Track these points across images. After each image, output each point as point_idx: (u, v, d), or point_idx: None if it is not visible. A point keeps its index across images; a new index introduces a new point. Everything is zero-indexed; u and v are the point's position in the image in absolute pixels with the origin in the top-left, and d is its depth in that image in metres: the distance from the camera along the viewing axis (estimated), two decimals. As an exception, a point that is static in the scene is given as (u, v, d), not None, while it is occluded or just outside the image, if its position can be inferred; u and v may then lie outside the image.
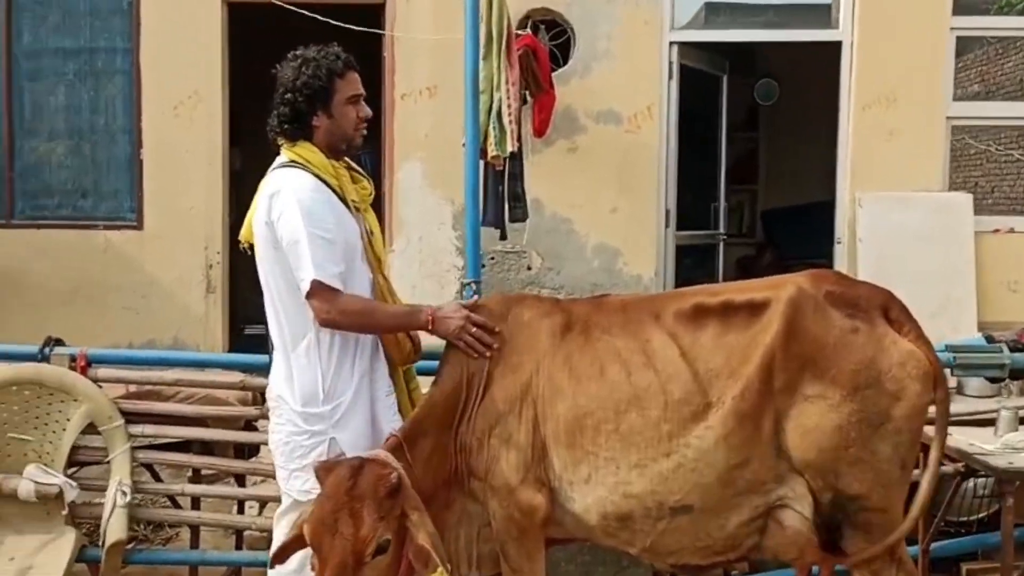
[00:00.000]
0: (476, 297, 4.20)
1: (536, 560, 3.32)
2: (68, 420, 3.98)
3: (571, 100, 7.51)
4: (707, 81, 8.10)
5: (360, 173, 3.65)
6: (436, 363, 3.56)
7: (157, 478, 4.35)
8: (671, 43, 7.54)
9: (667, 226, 7.64)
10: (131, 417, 4.05)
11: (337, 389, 3.40)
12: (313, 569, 3.02)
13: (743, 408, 3.15)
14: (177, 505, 4.30)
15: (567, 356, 3.32)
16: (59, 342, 4.14)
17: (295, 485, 3.43)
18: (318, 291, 3.27)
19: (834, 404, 3.12)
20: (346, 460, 3.07)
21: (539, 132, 7.31)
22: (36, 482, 3.86)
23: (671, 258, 7.70)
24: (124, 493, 3.90)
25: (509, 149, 4.64)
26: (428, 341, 3.63)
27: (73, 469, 4.11)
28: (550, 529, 3.38)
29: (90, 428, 4.04)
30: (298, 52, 3.47)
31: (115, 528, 3.84)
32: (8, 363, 4.11)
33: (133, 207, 7.80)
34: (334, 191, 3.41)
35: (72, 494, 3.89)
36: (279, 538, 3.44)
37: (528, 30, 7.24)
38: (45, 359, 4.07)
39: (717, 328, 3.25)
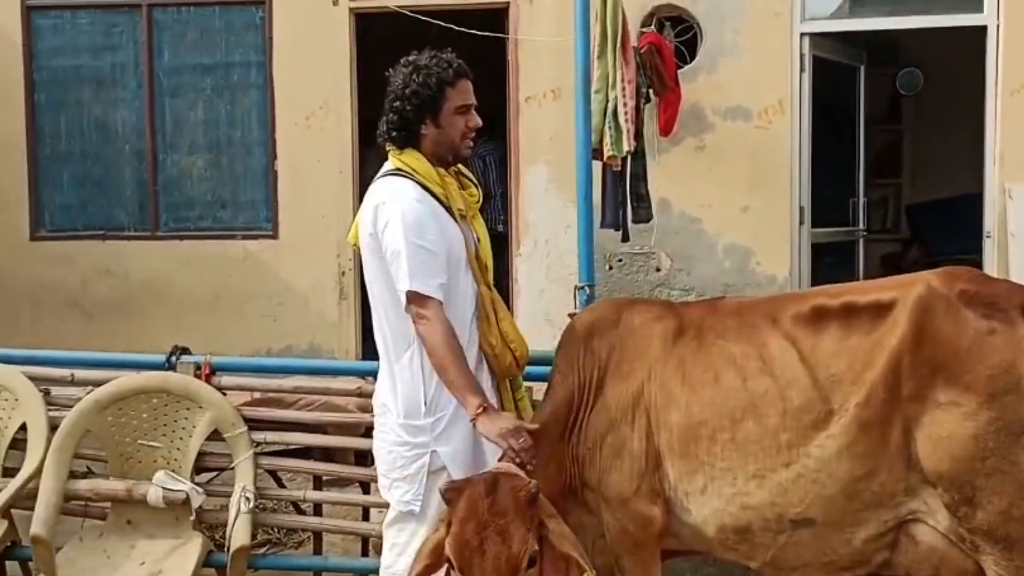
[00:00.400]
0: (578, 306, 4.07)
1: (652, 573, 3.23)
2: (194, 427, 4.07)
3: (698, 97, 7.34)
4: (843, 72, 7.79)
5: (469, 179, 3.62)
6: (548, 368, 3.50)
7: (281, 484, 4.41)
8: (802, 35, 7.29)
9: (801, 223, 7.39)
10: (253, 424, 4.12)
11: (440, 402, 3.35)
12: None
13: (867, 416, 2.98)
14: (301, 512, 4.36)
15: (680, 362, 3.21)
16: (185, 351, 4.25)
17: (395, 495, 3.41)
18: (414, 301, 3.24)
19: (969, 412, 2.92)
20: (477, 477, 3.01)
21: (665, 131, 7.15)
22: (164, 488, 3.97)
23: (806, 257, 7.44)
24: (248, 499, 3.96)
25: (625, 149, 4.54)
26: (536, 346, 3.57)
27: (203, 476, 4.21)
28: (667, 541, 3.27)
29: (216, 435, 4.12)
30: (411, 58, 3.44)
31: (239, 533, 3.91)
32: (137, 372, 4.23)
33: (269, 217, 8.00)
34: (439, 200, 3.38)
35: (198, 500, 3.97)
36: (390, 546, 3.44)
37: (652, 27, 7.14)
38: (172, 368, 4.19)
39: (839, 331, 3.08)
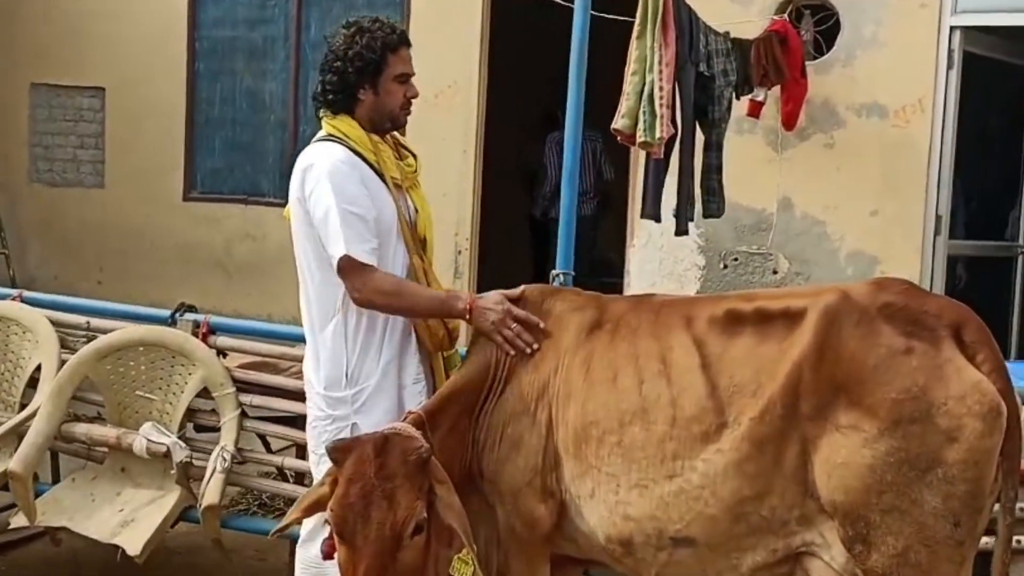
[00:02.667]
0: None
1: (538, 576, 3.03)
2: (186, 384, 4.16)
3: (830, 91, 6.89)
4: (1001, 70, 7.06)
5: (407, 149, 3.52)
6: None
7: (269, 450, 4.46)
8: (952, 28, 6.66)
9: (937, 233, 6.78)
10: (243, 386, 4.17)
11: (362, 373, 3.27)
12: (328, 557, 2.89)
13: (761, 432, 2.67)
14: (287, 479, 4.38)
15: (587, 356, 2.98)
16: (191, 308, 4.35)
17: (320, 469, 3.34)
18: (349, 268, 3.15)
19: (869, 438, 2.57)
20: (367, 437, 2.79)
21: (788, 125, 6.77)
22: (148, 440, 4.08)
23: (940, 270, 6.81)
24: (224, 459, 4.02)
25: (658, 135, 4.27)
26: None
27: (205, 434, 4.29)
28: (565, 547, 3.06)
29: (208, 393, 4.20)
30: (352, 20, 3.38)
31: (212, 491, 3.96)
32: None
33: (393, 192, 8.10)
34: (371, 167, 3.29)
35: (180, 454, 4.05)
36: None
37: (786, 15, 6.74)
38: (173, 324, 4.31)
39: (752, 338, 2.78)
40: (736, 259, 7.14)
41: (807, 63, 6.79)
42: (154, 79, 8.74)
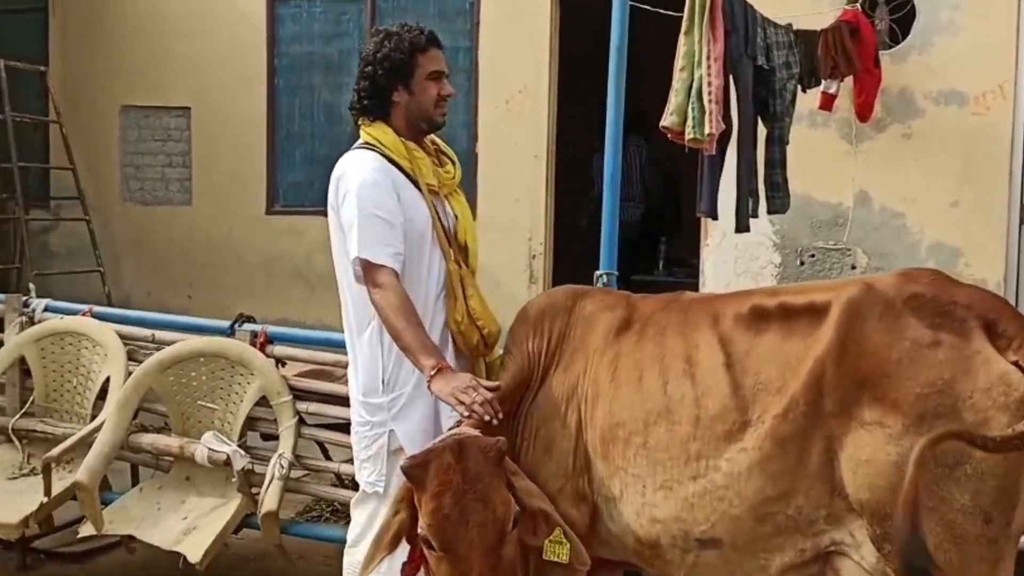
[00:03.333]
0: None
1: (571, 582, 2.99)
2: (245, 393, 4.24)
3: (907, 80, 6.71)
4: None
5: (448, 156, 3.53)
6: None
7: (327, 457, 4.51)
8: (1034, 10, 6.43)
9: (1022, 222, 6.54)
10: (300, 394, 4.23)
11: (398, 380, 3.28)
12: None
13: (785, 431, 2.60)
14: (344, 485, 4.42)
15: (615, 357, 2.94)
16: (249, 319, 4.44)
17: (363, 476, 3.38)
18: (366, 269, 3.18)
19: (894, 435, 2.48)
20: (439, 446, 2.73)
21: (863, 116, 6.61)
22: (209, 448, 4.17)
23: (1027, 260, 6.57)
24: (282, 466, 4.08)
25: (707, 131, 4.20)
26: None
27: (270, 442, 4.37)
28: (599, 549, 3.02)
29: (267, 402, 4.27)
30: (381, 28, 3.42)
31: (271, 498, 4.02)
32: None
33: (469, 199, 8.11)
34: (406, 173, 3.31)
35: (240, 462, 4.12)
36: (353, 525, 3.43)
37: (858, 5, 6.57)
38: (233, 334, 4.39)
39: (778, 335, 2.71)
40: (813, 255, 6.99)
41: (882, 52, 6.64)
42: (236, 97, 8.95)
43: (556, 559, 2.73)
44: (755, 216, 5.18)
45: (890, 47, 6.77)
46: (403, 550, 2.87)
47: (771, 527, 2.65)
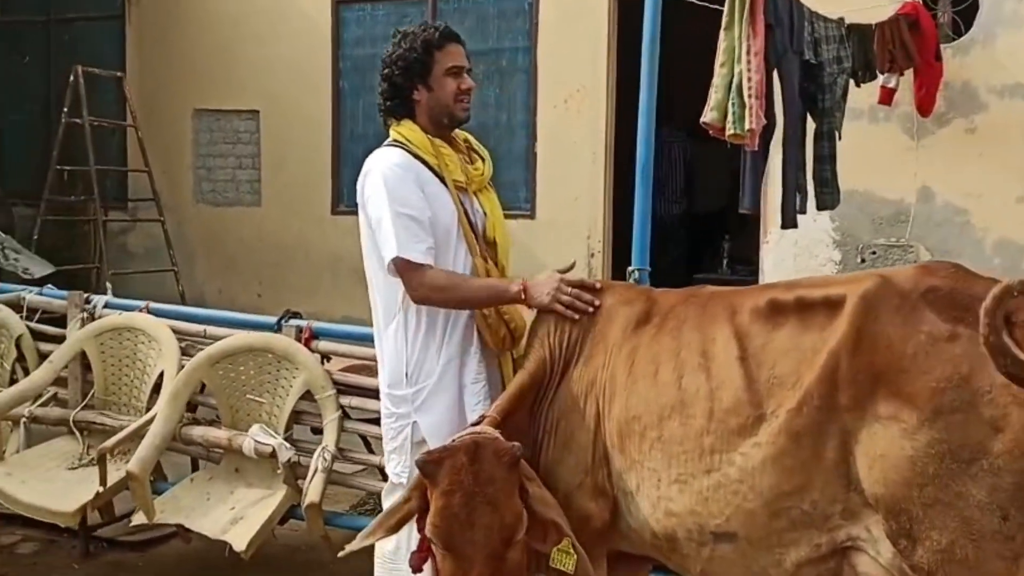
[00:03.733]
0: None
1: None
2: (291, 387, 4.35)
3: (970, 73, 6.57)
4: None
5: (479, 153, 3.56)
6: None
7: (371, 450, 4.59)
8: (1103, -2, 6.25)
9: (1091, 219, 6.36)
10: (343, 389, 4.32)
11: (422, 372, 3.34)
12: (417, 571, 2.86)
13: (799, 425, 2.58)
14: (387, 478, 4.49)
15: (632, 350, 2.95)
16: (296, 315, 4.54)
17: (390, 467, 3.45)
18: (403, 268, 3.24)
19: (908, 429, 2.44)
20: (456, 444, 2.77)
21: (924, 111, 6.48)
22: (256, 441, 4.28)
23: (1097, 257, 6.39)
24: (325, 459, 4.17)
25: (747, 126, 4.17)
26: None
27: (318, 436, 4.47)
28: (621, 543, 3.04)
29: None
30: (400, 29, 3.47)
31: (314, 490, 4.12)
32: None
33: (528, 197, 8.22)
34: (432, 169, 3.36)
35: (286, 455, 4.23)
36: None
37: (921, -3, 6.46)
38: (279, 330, 4.50)
39: (793, 328, 2.69)
40: (874, 252, 6.89)
41: (945, 45, 6.50)
42: (302, 99, 9.13)
43: (561, 568, 2.74)
44: (803, 212, 5.12)
45: (952, 40, 6.64)
46: (416, 540, 2.91)
47: (786, 521, 2.63)
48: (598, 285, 3.16)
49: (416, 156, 3.36)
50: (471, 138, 3.60)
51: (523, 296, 3.21)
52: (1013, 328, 2.44)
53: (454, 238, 3.37)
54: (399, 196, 3.26)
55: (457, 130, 3.54)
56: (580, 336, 3.12)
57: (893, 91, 6.23)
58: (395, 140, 3.42)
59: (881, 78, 6.04)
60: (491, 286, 3.31)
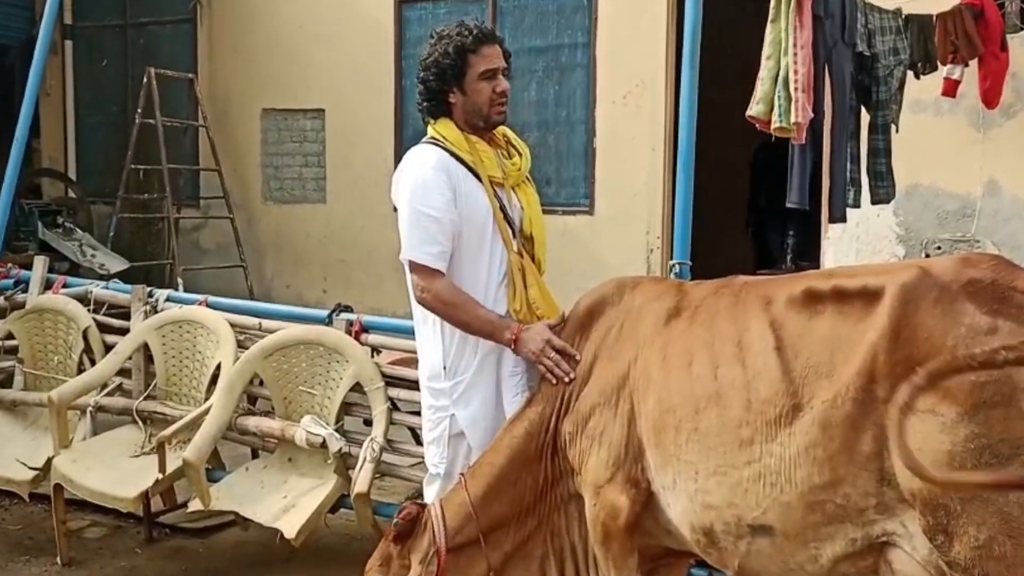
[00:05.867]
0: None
1: (623, 567, 3.01)
2: (341, 379, 4.43)
3: (1038, 65, 6.41)
4: None
5: (518, 149, 3.59)
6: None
7: (418, 442, 4.65)
8: None
9: None
10: (391, 381, 4.40)
11: (460, 366, 3.39)
12: None
13: (834, 417, 2.55)
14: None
15: (664, 344, 2.95)
16: (347, 309, 4.63)
17: (428, 457, 3.51)
18: (415, 269, 3.33)
19: (947, 423, 2.39)
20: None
21: (989, 103, 6.34)
22: (307, 431, 4.37)
23: None
24: (373, 450, 4.25)
25: (794, 120, 4.14)
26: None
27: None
28: (662, 538, 3.04)
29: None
30: (438, 30, 3.50)
31: (362, 480, 4.20)
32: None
33: (587, 193, 8.24)
34: (468, 167, 3.41)
35: (336, 445, 4.31)
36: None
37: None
38: (330, 323, 4.59)
39: (829, 318, 2.66)
40: (939, 248, 6.78)
41: (1012, 35, 6.37)
42: (366, 98, 9.26)
43: None
44: (856, 206, 5.07)
45: (1020, 30, 6.50)
46: None
47: (821, 515, 2.61)
48: (578, 357, 3.20)
49: (452, 153, 3.41)
50: (510, 132, 3.63)
51: (513, 346, 3.29)
52: None
53: (489, 233, 3.41)
54: (422, 196, 3.33)
55: None
56: (606, 335, 3.16)
57: (957, 83, 6.13)
58: (432, 138, 3.48)
59: (944, 69, 5.95)
60: (491, 322, 3.34)
